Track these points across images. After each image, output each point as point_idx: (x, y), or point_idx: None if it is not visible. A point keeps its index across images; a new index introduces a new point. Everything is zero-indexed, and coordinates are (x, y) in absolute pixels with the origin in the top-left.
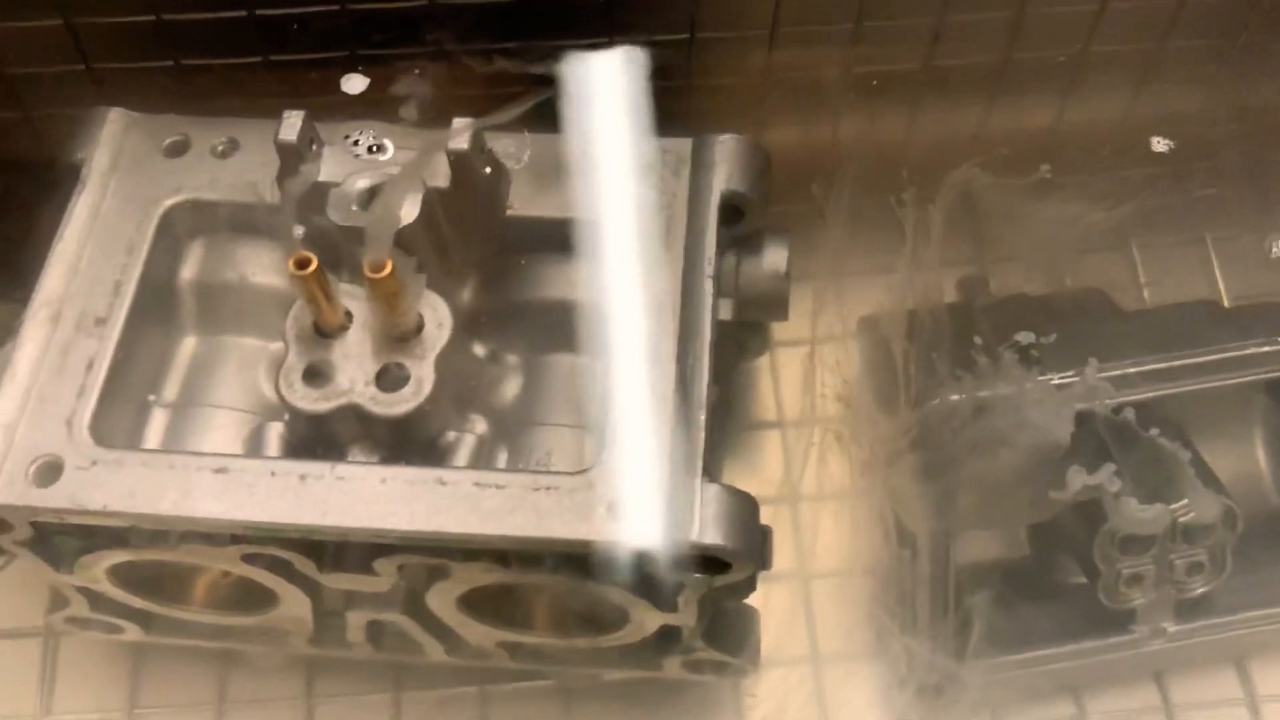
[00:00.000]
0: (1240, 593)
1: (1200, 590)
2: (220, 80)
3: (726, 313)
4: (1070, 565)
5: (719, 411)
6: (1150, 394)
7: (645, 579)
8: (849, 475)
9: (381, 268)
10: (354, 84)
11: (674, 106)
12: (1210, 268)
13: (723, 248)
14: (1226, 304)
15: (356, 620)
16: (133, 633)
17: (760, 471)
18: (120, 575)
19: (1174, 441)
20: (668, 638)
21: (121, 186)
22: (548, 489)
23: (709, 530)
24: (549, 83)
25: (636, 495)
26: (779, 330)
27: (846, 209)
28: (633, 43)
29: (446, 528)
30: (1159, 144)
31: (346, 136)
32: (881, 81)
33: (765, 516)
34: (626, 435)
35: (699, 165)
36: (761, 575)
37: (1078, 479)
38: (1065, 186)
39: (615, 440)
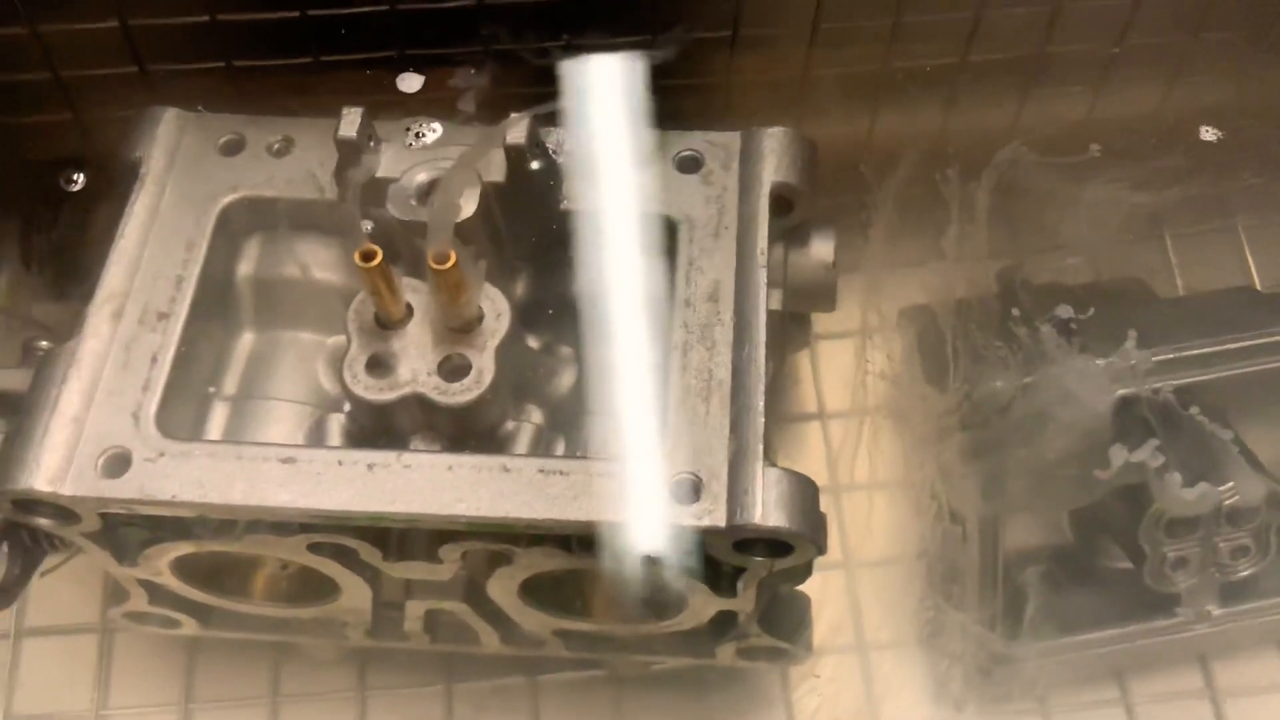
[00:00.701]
0: None
1: (1245, 573)
2: (272, 81)
3: (775, 302)
4: (1113, 551)
5: (767, 400)
6: (1192, 378)
7: (707, 563)
8: (896, 462)
9: (446, 259)
10: (409, 83)
11: (717, 102)
12: (1244, 255)
13: (771, 239)
14: (1261, 289)
15: (415, 610)
16: (190, 627)
17: (801, 463)
18: (183, 568)
19: (1217, 424)
20: (723, 624)
21: (179, 185)
22: (609, 475)
23: (772, 513)
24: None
25: (699, 479)
26: (820, 323)
27: (890, 202)
28: (677, 40)
29: (513, 513)
30: (1207, 133)
31: (408, 129)
32: (922, 76)
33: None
34: (685, 421)
35: (748, 158)
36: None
37: (1119, 456)
38: (1108, 172)
39: (674, 427)
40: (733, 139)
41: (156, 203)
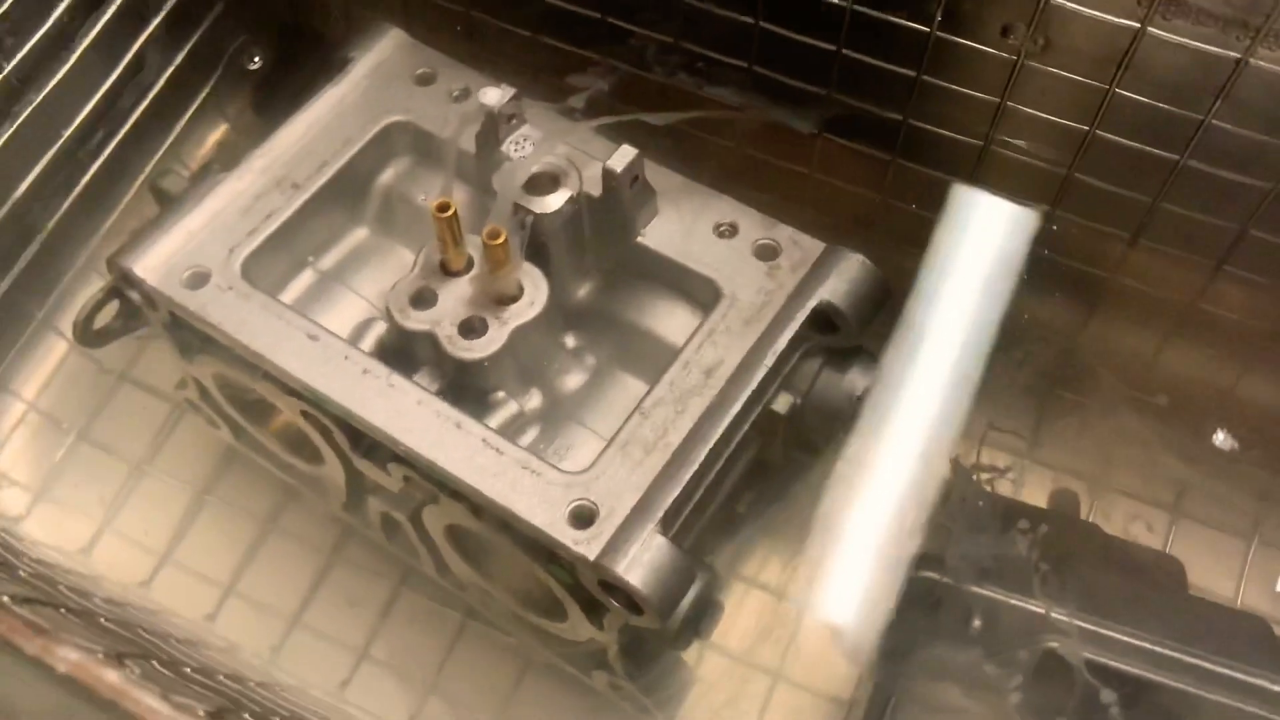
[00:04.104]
0: None
1: None
2: (498, 37)
3: (782, 406)
4: None
5: (757, 506)
6: (1137, 670)
7: (578, 586)
8: None
9: (496, 236)
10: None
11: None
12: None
13: (814, 351)
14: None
15: (375, 506)
16: (225, 434)
17: (773, 582)
18: (222, 382)
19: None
20: (597, 651)
21: (367, 92)
22: (533, 472)
23: (635, 570)
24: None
25: (597, 513)
26: None
27: None
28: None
29: (440, 462)
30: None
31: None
32: None
33: (768, 610)
34: (619, 461)
35: (816, 268)
36: (744, 660)
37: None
38: None
39: (607, 460)
40: (815, 247)
41: (343, 98)
